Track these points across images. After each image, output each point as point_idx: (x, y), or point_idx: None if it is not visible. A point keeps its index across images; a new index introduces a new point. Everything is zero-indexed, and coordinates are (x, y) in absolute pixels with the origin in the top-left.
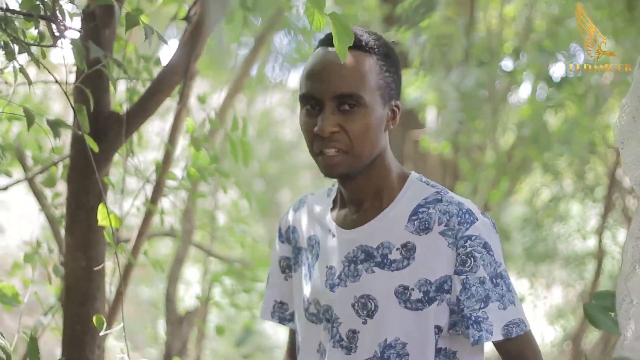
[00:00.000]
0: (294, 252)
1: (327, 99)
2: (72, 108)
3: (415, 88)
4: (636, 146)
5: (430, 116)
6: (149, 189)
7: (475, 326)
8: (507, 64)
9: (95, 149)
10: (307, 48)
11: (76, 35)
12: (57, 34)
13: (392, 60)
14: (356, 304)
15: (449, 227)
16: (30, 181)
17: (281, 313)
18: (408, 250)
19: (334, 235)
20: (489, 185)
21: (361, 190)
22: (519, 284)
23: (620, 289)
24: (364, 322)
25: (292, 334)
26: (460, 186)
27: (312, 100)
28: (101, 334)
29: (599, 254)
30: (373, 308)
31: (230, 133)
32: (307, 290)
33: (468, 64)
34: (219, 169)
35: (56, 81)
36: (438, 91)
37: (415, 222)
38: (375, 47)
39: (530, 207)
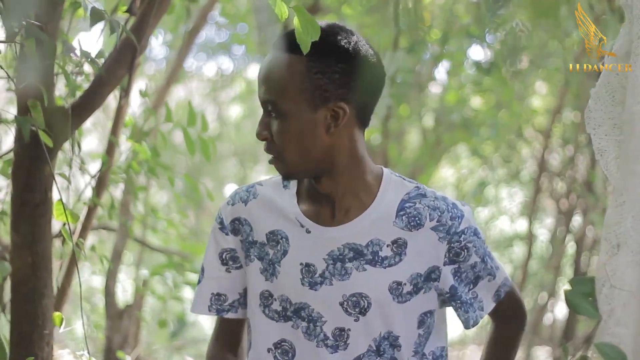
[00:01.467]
0: (244, 245)
1: (262, 105)
2: (27, 104)
3: None
4: (607, 131)
5: None
6: (93, 182)
7: (471, 309)
8: (433, 49)
9: (50, 144)
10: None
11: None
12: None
13: (330, 60)
14: (345, 303)
15: (441, 223)
16: None
17: (219, 305)
18: (399, 246)
19: (309, 232)
20: (416, 170)
21: (331, 191)
22: None
23: (600, 274)
24: (356, 320)
25: (224, 323)
26: None
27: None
28: (60, 331)
29: (529, 237)
30: (366, 305)
31: (185, 127)
32: (267, 286)
33: (396, 50)
34: (160, 163)
35: (9, 77)
36: None
37: (404, 217)
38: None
39: (458, 191)
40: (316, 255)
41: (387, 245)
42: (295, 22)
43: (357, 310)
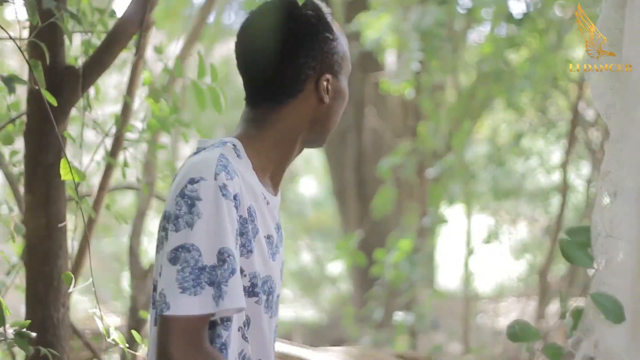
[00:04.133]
0: (240, 222)
1: None
2: (28, 63)
3: (373, 30)
4: (604, 77)
5: (390, 57)
6: (109, 142)
7: None
8: (466, 1)
9: (54, 103)
10: None
11: None
12: None
13: None
14: (279, 271)
15: None
16: None
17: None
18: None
19: (268, 203)
20: (452, 124)
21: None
22: (485, 221)
23: (595, 223)
24: (281, 285)
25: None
26: (423, 126)
27: None
28: (69, 291)
29: (564, 188)
30: (283, 269)
31: (196, 80)
32: (242, 262)
33: (427, 2)
34: (179, 120)
35: (10, 37)
36: (397, 32)
37: None
38: None
39: (493, 144)
40: (271, 225)
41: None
42: None
43: (282, 275)
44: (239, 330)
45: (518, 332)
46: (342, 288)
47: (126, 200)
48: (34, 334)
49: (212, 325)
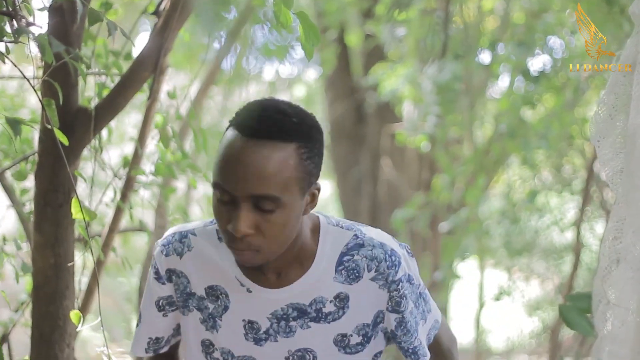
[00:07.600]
0: (181, 296)
1: (243, 198)
2: (40, 102)
3: (391, 82)
4: (612, 143)
5: (407, 109)
6: (120, 184)
7: (413, 356)
8: (485, 57)
9: (66, 142)
10: (279, 41)
11: (40, 30)
12: (16, 28)
13: (314, 141)
14: (291, 357)
15: (379, 272)
16: (1, 176)
17: (156, 346)
18: (341, 300)
19: (250, 291)
20: (466, 178)
21: (277, 265)
22: (497, 277)
23: (597, 290)
24: None
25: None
26: (438, 179)
27: (225, 193)
28: (77, 329)
29: (577, 247)
30: (311, 359)
31: (189, 121)
32: (208, 335)
33: (445, 57)
34: (190, 164)
35: (24, 76)
36: (414, 84)
37: (343, 272)
38: (295, 131)
39: (508, 200)
40: (259, 314)
41: (330, 301)
42: (300, 28)
43: None
44: None
45: None
46: None
47: (142, 241)
48: None
49: None
